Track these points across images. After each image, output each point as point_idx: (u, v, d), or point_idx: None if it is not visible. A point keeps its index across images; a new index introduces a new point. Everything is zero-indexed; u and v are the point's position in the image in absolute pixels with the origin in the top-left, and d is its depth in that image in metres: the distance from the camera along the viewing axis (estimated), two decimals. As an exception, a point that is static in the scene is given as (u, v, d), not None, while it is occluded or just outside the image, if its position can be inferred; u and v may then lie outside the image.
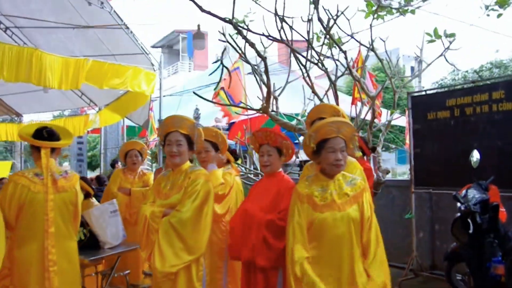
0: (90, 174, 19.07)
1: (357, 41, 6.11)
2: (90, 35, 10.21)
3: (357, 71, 6.82)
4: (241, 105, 6.64)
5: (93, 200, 4.82)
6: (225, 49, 4.81)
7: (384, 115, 6.65)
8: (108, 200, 4.67)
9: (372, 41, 5.81)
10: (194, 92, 5.68)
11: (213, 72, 4.96)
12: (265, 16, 5.07)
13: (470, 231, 4.04)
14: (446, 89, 5.45)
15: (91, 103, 12.72)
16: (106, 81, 9.89)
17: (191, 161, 3.43)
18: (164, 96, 14.06)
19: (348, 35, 6.04)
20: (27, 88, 10.81)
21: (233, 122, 11.09)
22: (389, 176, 6.03)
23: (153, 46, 34.27)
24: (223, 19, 4.77)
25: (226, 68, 4.84)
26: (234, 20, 4.82)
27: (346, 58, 5.44)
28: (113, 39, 9.92)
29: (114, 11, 9.49)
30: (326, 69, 5.33)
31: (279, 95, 6.19)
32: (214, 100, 7.11)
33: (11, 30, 10.38)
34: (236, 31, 5.00)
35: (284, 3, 4.74)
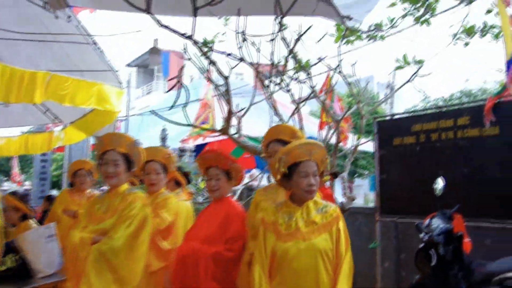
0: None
1: (324, 64, 6.01)
2: (57, 49, 9.93)
3: (325, 94, 6.70)
4: (204, 125, 6.39)
5: (31, 222, 4.46)
6: (183, 66, 4.59)
7: (353, 141, 6.48)
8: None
9: (339, 64, 5.70)
10: (151, 111, 5.44)
11: (169, 90, 4.71)
12: (234, 37, 4.91)
13: (433, 263, 3.83)
14: (412, 114, 5.29)
15: (56, 119, 12.38)
16: (69, 98, 9.61)
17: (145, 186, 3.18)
18: (133, 115, 13.82)
19: (317, 58, 5.94)
20: (-14, 102, 10.47)
21: (204, 144, 10.89)
22: (360, 203, 5.85)
23: (128, 65, 33.93)
24: (182, 35, 4.57)
25: (185, 86, 4.61)
26: (195, 38, 4.62)
27: (311, 79, 5.28)
28: (81, 55, 9.65)
29: (82, 26, 9.27)
30: (290, 90, 5.15)
31: (242, 116, 5.99)
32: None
33: (-27, 42, 10.06)
34: (201, 50, 4.81)
35: (245, 22, 4.57)
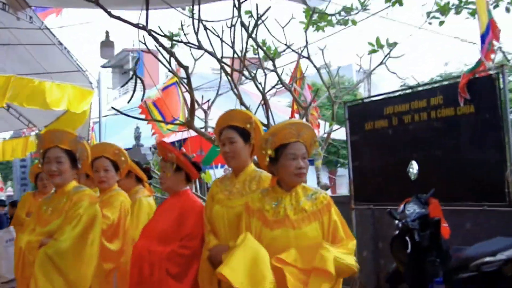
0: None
1: (293, 50, 5.77)
2: (22, 52, 9.60)
3: (296, 82, 6.48)
4: (177, 120, 6.12)
5: None
6: (138, 59, 4.31)
7: (325, 129, 6.26)
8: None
9: (304, 48, 5.46)
10: (112, 107, 5.15)
11: (125, 83, 4.44)
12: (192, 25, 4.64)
13: (408, 251, 3.63)
14: (383, 96, 5.08)
15: (30, 124, 12.07)
16: (35, 100, 9.29)
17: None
18: (106, 116, 13.44)
19: (285, 45, 5.70)
20: (-40, 109, 10.14)
21: (184, 140, 10.60)
22: (343, 192, 5.64)
23: (104, 66, 33.34)
24: (135, 25, 4.29)
25: (140, 78, 4.33)
26: (149, 29, 4.33)
27: (274, 67, 5.03)
28: (47, 57, 9.36)
29: (46, 27, 8.96)
30: (253, 77, 4.90)
31: (208, 108, 5.74)
32: (141, 115, 6.58)
33: None
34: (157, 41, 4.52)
35: (199, 9, 4.29)
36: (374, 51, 5.99)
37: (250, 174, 2.74)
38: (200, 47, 4.40)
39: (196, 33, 4.24)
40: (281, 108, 12.40)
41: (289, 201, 2.38)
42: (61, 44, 8.69)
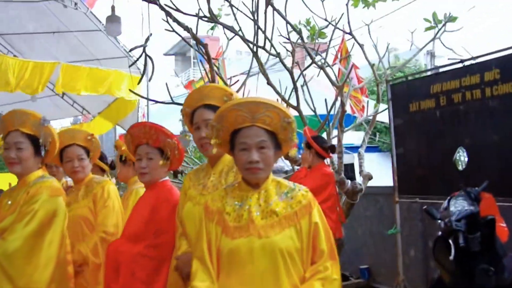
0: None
1: (335, 27, 5.20)
2: (71, 39, 9.67)
3: (340, 61, 5.90)
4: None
5: None
6: (149, 36, 3.93)
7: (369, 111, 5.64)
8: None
9: (349, 24, 4.85)
10: (130, 90, 4.85)
11: (133, 63, 4.08)
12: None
13: (451, 257, 3.00)
14: (430, 73, 4.38)
15: (84, 111, 12.28)
16: (85, 87, 9.32)
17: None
18: (156, 102, 13.40)
19: (325, 19, 5.15)
20: (18, 98, 10.43)
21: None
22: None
23: (166, 54, 33.70)
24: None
25: (149, 57, 3.95)
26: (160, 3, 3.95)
27: (303, 43, 4.48)
28: (95, 43, 9.36)
29: (91, 12, 8.91)
30: (279, 53, 4.39)
31: (237, 91, 5.30)
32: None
33: (-3, 37, 9.99)
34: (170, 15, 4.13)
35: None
36: (431, 27, 5.28)
37: (228, 163, 2.26)
38: (232, 30, 4.01)
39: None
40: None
41: (256, 201, 1.86)
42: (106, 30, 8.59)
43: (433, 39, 5.32)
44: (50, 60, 8.48)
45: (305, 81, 5.20)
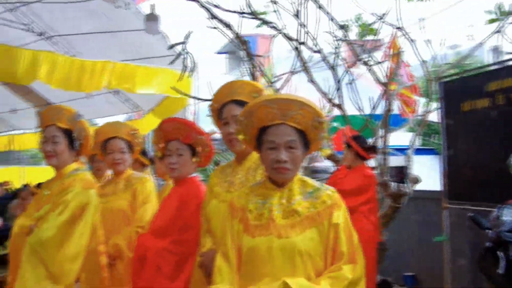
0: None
1: (387, 23, 4.95)
2: (124, 39, 9.92)
3: (390, 59, 5.63)
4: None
5: None
6: (189, 34, 3.89)
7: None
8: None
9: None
10: (171, 87, 4.83)
11: (173, 60, 4.04)
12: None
13: (500, 271, 2.74)
14: (486, 70, 4.08)
15: (136, 108, 12.57)
16: (135, 85, 9.52)
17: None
18: (200, 99, 13.55)
19: (372, 14, 4.92)
20: (74, 96, 10.84)
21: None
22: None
23: (218, 53, 33.94)
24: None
25: (189, 53, 3.91)
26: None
27: (348, 41, 4.29)
28: (145, 42, 9.54)
29: (140, 12, 9.09)
30: (321, 49, 4.22)
31: (281, 88, 5.16)
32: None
33: (55, 38, 10.39)
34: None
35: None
36: (494, 20, 4.91)
37: (256, 160, 2.16)
38: (274, 27, 3.91)
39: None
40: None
41: (278, 200, 1.77)
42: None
43: (495, 32, 4.93)
44: (104, 59, 8.72)
45: (352, 78, 4.99)
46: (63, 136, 2.55)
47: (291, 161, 1.73)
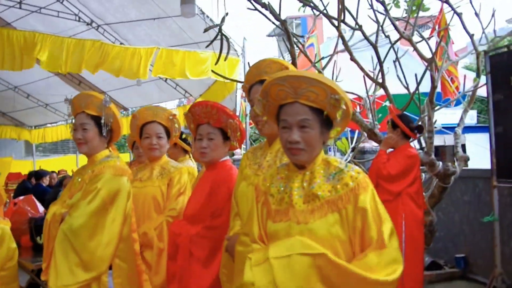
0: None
1: None
2: (170, 24, 10.05)
3: (438, 34, 5.43)
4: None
5: None
6: (225, 16, 3.86)
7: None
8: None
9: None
10: (212, 71, 4.86)
11: (210, 43, 4.03)
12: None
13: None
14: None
15: (186, 94, 12.77)
16: (182, 70, 9.66)
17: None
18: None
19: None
20: (125, 83, 11.16)
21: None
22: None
23: (269, 35, 33.71)
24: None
25: (225, 36, 3.90)
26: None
27: (386, 11, 4.15)
28: (193, 27, 9.65)
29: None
30: (360, 26, 4.11)
31: (324, 68, 5.08)
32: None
33: (103, 27, 10.68)
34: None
35: None
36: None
37: None
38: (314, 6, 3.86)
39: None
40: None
41: (299, 183, 1.67)
42: (203, 13, 8.80)
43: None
44: (151, 46, 8.88)
45: (396, 56, 4.85)
46: (93, 123, 2.51)
47: (305, 141, 1.62)
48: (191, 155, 4.01)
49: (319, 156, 1.70)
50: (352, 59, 4.32)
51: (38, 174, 9.30)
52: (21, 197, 4.52)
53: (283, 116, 1.66)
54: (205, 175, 2.59)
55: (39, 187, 8.67)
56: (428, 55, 4.36)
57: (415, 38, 4.52)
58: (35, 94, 13.64)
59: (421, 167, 4.06)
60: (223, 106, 2.51)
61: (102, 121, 2.51)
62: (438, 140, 11.13)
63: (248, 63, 3.31)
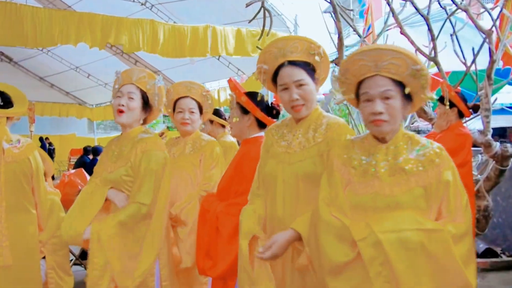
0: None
1: None
2: (223, 3, 10.03)
3: (504, 4, 5.03)
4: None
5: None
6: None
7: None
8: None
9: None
10: (257, 47, 4.73)
11: (253, 18, 3.89)
12: None
13: None
14: None
15: (239, 72, 12.80)
16: (233, 48, 9.64)
17: None
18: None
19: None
20: (178, 62, 11.33)
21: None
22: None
23: (325, 12, 32.91)
24: None
25: (268, 11, 3.76)
26: None
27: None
28: (243, 5, 9.62)
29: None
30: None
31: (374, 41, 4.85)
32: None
33: (156, 7, 10.84)
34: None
35: None
36: None
37: (316, 120, 2.01)
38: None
39: None
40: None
41: (383, 156, 1.69)
42: (255, -11, 8.68)
43: None
44: (204, 24, 8.90)
45: (454, 29, 4.52)
46: (140, 95, 2.48)
47: (388, 112, 1.63)
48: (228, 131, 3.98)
49: (400, 130, 1.72)
50: (403, 32, 4.06)
51: (96, 150, 9.79)
52: (73, 171, 4.66)
53: (364, 90, 1.68)
54: (239, 151, 2.56)
55: (95, 162, 9.12)
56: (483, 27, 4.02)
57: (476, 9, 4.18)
58: (95, 73, 14.14)
59: (476, 148, 3.79)
60: (235, 81, 2.46)
61: (149, 97, 2.50)
62: (504, 121, 10.47)
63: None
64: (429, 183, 1.62)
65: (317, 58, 1.97)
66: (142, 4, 10.44)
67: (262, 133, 2.51)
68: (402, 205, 1.61)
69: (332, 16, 4.28)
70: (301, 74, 1.95)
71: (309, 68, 1.97)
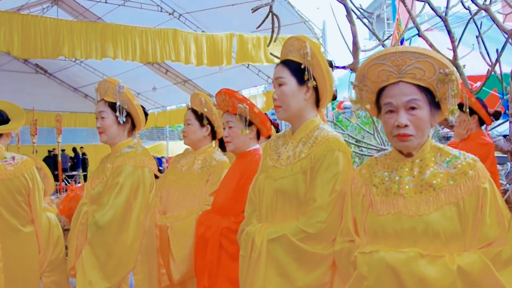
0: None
1: None
2: (247, 10, 10.01)
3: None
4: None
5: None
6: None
7: None
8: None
9: None
10: (271, 54, 4.64)
11: (261, 23, 3.80)
12: None
13: None
14: None
15: (269, 79, 12.76)
16: (261, 55, 9.57)
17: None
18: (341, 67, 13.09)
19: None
20: (207, 71, 11.40)
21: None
22: None
23: (357, 17, 32.44)
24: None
25: (275, 15, 3.67)
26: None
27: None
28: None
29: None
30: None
31: (395, 44, 4.66)
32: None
33: (184, 16, 10.93)
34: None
35: None
36: None
37: (310, 132, 1.86)
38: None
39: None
40: None
41: (408, 172, 1.51)
42: (279, -4, 8.66)
43: None
44: (230, 32, 8.90)
45: (479, 31, 4.29)
46: (109, 111, 2.42)
47: (414, 125, 1.46)
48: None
49: (427, 141, 1.54)
50: (421, 35, 3.88)
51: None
52: (79, 185, 4.69)
53: (386, 99, 1.50)
54: (234, 164, 2.47)
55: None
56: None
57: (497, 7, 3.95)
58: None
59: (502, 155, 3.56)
60: (234, 91, 2.34)
61: (117, 107, 2.41)
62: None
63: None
64: (462, 199, 1.42)
65: None
66: (170, 14, 10.54)
67: (257, 146, 2.44)
68: (431, 225, 1.40)
69: (348, 20, 4.16)
70: (283, 72, 1.87)
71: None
